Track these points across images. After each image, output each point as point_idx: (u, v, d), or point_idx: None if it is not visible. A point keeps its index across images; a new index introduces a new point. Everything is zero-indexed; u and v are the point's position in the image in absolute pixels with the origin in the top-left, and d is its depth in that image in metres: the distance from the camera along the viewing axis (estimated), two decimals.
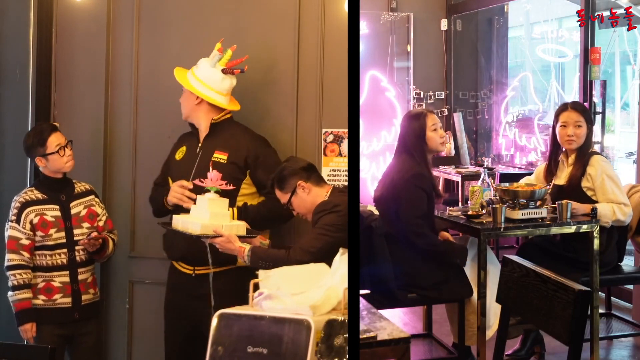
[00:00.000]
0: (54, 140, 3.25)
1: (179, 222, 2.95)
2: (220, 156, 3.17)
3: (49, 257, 3.24)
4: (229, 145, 3.18)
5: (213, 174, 2.96)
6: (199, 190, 3.04)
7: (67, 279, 3.25)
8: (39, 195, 3.27)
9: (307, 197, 3.00)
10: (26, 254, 3.20)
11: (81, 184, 3.40)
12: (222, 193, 2.97)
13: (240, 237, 2.92)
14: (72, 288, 3.25)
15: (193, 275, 3.18)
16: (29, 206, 3.23)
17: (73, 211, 3.29)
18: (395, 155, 3.83)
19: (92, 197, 3.39)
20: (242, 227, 2.98)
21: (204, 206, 2.91)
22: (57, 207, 3.27)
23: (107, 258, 3.41)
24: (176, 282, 3.28)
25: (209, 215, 2.88)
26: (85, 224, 3.30)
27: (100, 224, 3.38)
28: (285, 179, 3.02)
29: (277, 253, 2.89)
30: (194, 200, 3.04)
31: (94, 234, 3.27)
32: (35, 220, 3.22)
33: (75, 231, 3.27)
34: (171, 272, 3.33)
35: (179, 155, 3.30)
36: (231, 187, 3.02)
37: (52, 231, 3.23)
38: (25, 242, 3.21)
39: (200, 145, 3.24)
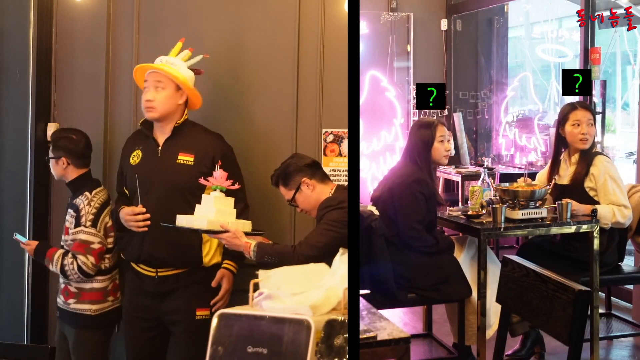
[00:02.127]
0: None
1: (184, 220, 2.93)
2: (186, 158, 3.09)
3: None
4: (194, 147, 3.11)
5: (218, 173, 2.94)
6: (156, 211, 3.03)
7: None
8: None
9: (311, 194, 3.03)
10: None
11: (81, 198, 3.24)
12: (227, 192, 2.95)
13: (246, 234, 2.93)
14: (58, 287, 3.28)
15: (156, 277, 3.11)
16: None
17: (66, 216, 3.28)
18: (400, 160, 3.89)
19: (71, 211, 3.23)
20: (247, 224, 2.99)
21: (209, 204, 2.90)
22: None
23: (60, 274, 3.18)
24: (138, 285, 3.17)
25: (214, 212, 2.88)
26: (64, 233, 3.27)
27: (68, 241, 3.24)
28: (290, 176, 3.04)
29: (283, 248, 2.91)
30: (148, 227, 3.04)
31: (17, 238, 3.25)
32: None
33: (63, 235, 3.27)
34: (131, 277, 3.22)
35: (134, 159, 3.17)
36: (237, 187, 2.99)
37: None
38: None
39: (160, 148, 3.13)
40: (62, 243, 3.26)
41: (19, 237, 3.27)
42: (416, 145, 3.74)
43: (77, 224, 3.18)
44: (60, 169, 3.27)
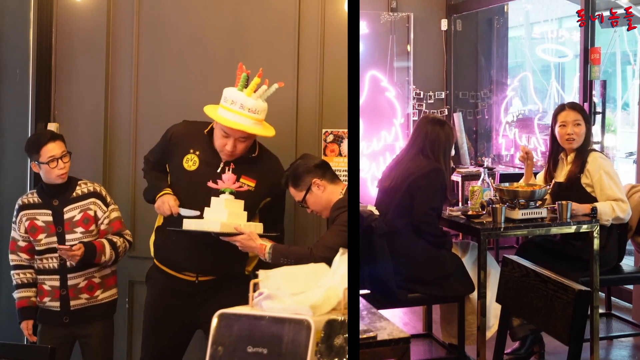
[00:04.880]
0: (49, 151, 3.15)
1: (192, 224, 2.89)
2: (247, 182, 3.02)
3: (39, 261, 3.23)
4: (257, 173, 3.04)
5: (228, 175, 2.90)
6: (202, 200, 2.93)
7: (57, 284, 3.20)
8: (36, 199, 3.25)
9: (322, 195, 3.01)
10: (24, 255, 3.26)
11: (86, 186, 3.26)
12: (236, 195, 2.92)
13: (260, 236, 2.92)
14: (60, 293, 3.20)
15: (196, 282, 3.08)
16: (24, 209, 3.24)
17: (67, 216, 3.20)
18: (409, 155, 3.75)
19: (92, 199, 3.24)
20: (259, 226, 2.97)
21: (220, 206, 2.86)
22: (50, 212, 3.21)
23: (111, 261, 3.24)
24: (171, 286, 3.12)
25: (226, 214, 2.84)
26: (79, 229, 3.20)
27: (102, 227, 3.25)
28: (300, 177, 3.01)
29: (299, 250, 2.89)
30: (191, 237, 2.97)
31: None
32: (27, 224, 3.22)
33: (68, 236, 3.19)
34: (158, 276, 3.17)
35: (189, 164, 3.04)
36: (246, 189, 2.96)
37: (41, 236, 3.20)
38: (22, 244, 3.26)
39: (222, 163, 3.02)
40: (85, 238, 3.18)
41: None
42: (437, 140, 3.67)
43: (106, 204, 3.26)
44: (60, 170, 3.19)
